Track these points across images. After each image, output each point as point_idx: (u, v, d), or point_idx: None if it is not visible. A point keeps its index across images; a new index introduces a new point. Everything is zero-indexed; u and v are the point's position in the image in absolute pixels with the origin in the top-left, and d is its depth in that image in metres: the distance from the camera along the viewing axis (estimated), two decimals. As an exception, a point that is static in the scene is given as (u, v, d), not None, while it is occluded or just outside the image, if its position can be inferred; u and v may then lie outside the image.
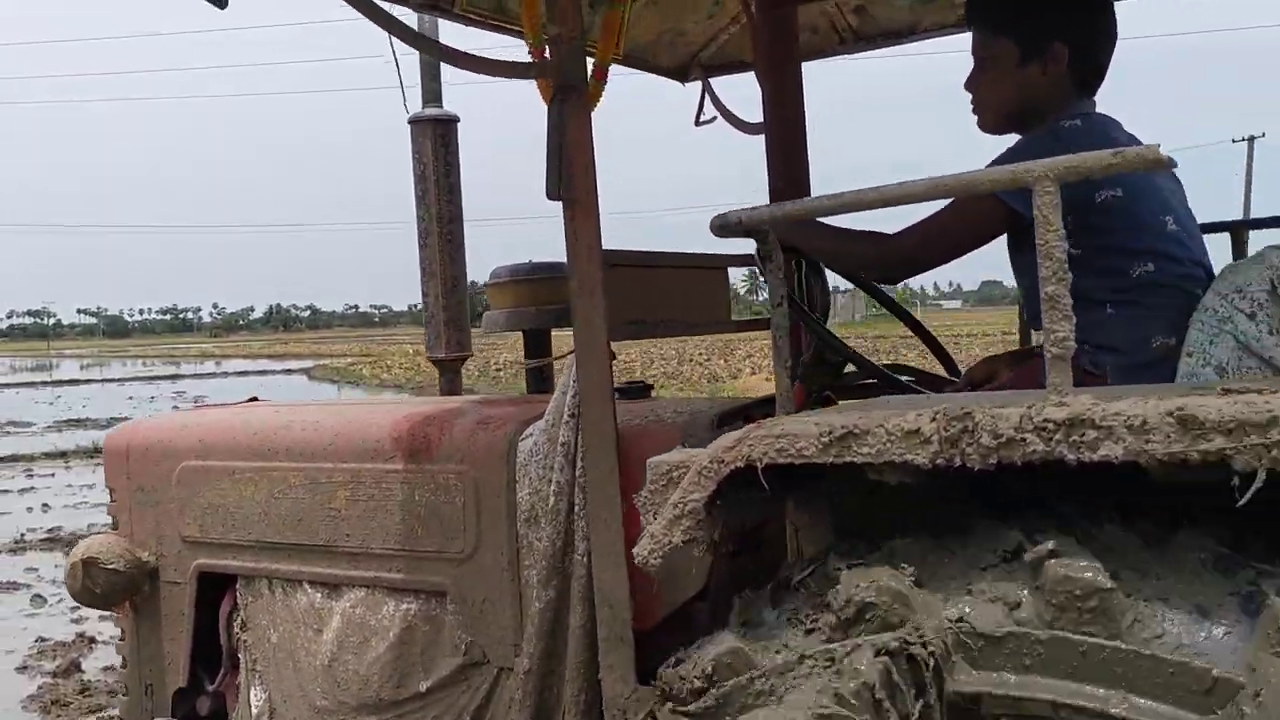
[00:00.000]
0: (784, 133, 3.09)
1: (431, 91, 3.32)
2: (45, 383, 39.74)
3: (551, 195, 2.02)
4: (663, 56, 3.52)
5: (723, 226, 1.67)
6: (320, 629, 2.72)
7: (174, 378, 39.95)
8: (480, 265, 2.99)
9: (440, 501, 2.52)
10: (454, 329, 3.39)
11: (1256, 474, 1.17)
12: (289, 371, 39.86)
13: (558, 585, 2.27)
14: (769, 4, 3.04)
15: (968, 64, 2.43)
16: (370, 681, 2.60)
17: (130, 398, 26.98)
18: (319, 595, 2.75)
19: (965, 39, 2.46)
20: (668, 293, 2.46)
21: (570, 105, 2.01)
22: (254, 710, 2.84)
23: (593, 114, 2.70)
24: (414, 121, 3.35)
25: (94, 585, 3.01)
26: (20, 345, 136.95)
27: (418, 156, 3.36)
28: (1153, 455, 1.24)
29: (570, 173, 2.03)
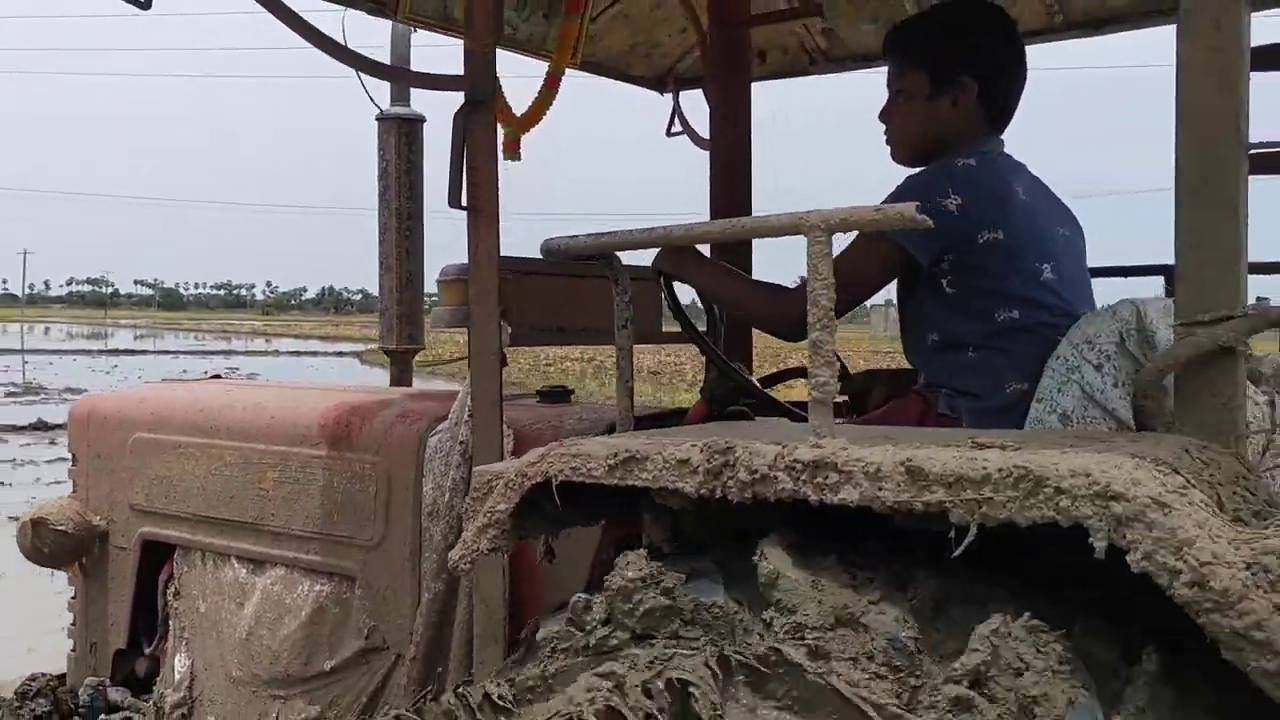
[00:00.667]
0: (729, 149, 3.13)
1: (400, 90, 3.43)
2: (102, 351, 40.23)
3: (453, 204, 2.09)
4: (638, 66, 3.58)
5: (549, 251, 1.73)
6: (242, 603, 2.83)
7: (227, 353, 40.17)
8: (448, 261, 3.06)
9: (356, 490, 2.62)
10: (406, 322, 3.50)
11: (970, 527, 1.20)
12: (340, 354, 39.84)
13: (447, 579, 2.35)
14: (722, 23, 3.09)
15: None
16: (280, 657, 2.69)
17: (184, 370, 27.03)
18: (244, 570, 2.85)
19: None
20: (587, 301, 2.52)
21: (476, 117, 2.07)
22: (177, 676, 2.95)
23: (549, 116, 2.79)
24: (381, 119, 3.46)
25: (42, 545, 3.15)
26: (79, 312, 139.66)
27: (382, 153, 3.48)
28: (884, 502, 1.27)
29: (473, 182, 2.09)
